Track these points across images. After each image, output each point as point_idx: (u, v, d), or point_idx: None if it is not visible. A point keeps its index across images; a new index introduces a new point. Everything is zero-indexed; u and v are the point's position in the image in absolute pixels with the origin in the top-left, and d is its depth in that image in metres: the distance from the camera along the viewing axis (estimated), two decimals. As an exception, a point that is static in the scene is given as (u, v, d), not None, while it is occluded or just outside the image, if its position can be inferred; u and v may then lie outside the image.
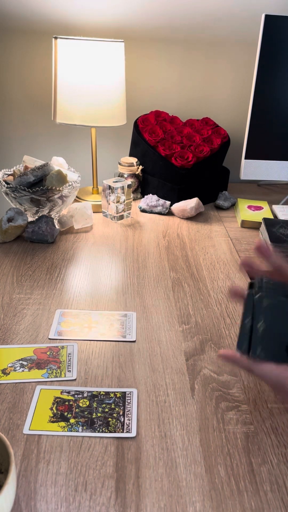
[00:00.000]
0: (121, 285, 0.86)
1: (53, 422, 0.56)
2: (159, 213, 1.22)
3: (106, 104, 1.11)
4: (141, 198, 1.32)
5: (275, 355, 0.53)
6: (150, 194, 1.24)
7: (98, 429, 0.55)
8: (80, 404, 0.58)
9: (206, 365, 0.66)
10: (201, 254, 1.00)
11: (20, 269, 0.91)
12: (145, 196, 1.24)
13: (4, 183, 1.02)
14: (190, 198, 1.23)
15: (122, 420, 0.56)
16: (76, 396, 0.60)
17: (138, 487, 0.48)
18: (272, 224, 1.06)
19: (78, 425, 0.55)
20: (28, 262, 0.94)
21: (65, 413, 0.57)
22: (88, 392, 0.60)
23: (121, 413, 0.57)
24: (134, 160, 1.27)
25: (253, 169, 1.25)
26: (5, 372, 0.63)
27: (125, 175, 1.27)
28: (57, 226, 1.06)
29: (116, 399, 0.59)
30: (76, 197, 1.25)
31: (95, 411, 0.57)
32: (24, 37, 1.34)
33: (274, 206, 1.25)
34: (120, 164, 1.27)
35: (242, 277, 0.91)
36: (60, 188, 1.01)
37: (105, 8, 1.31)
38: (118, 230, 1.11)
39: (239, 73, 1.42)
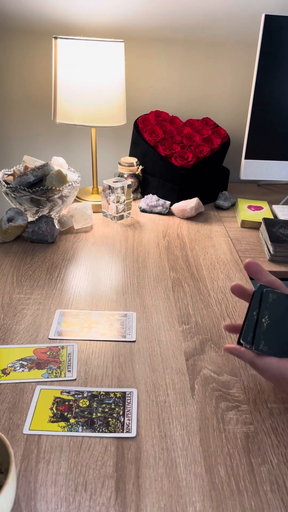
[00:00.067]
0: (121, 285, 0.86)
1: (53, 422, 0.56)
2: (159, 213, 1.22)
3: (106, 104, 1.11)
4: (141, 198, 1.32)
5: (276, 350, 0.55)
6: (150, 194, 1.24)
7: (98, 429, 0.55)
8: (80, 404, 0.58)
9: (206, 365, 0.66)
10: (201, 254, 1.00)
11: (20, 269, 0.91)
12: (145, 196, 1.24)
13: (4, 183, 1.02)
14: (190, 198, 1.23)
15: (122, 420, 0.56)
16: (76, 396, 0.60)
17: (138, 487, 0.48)
18: (272, 224, 1.06)
19: (78, 425, 0.55)
20: (28, 262, 0.94)
21: (65, 413, 0.57)
22: (88, 392, 0.60)
23: (121, 413, 0.57)
24: (134, 160, 1.27)
25: (253, 169, 1.25)
26: (5, 372, 0.63)
27: (125, 175, 1.27)
28: (57, 226, 1.06)
29: (116, 399, 0.59)
30: (76, 197, 1.25)
31: (95, 411, 0.57)
32: (24, 37, 1.34)
33: (274, 206, 1.25)
34: (120, 164, 1.27)
35: (242, 277, 0.91)
36: (60, 188, 1.01)
37: (105, 8, 1.31)
38: (118, 230, 1.11)
39: (239, 73, 1.42)
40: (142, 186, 1.31)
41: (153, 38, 1.36)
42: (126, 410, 0.58)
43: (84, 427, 0.55)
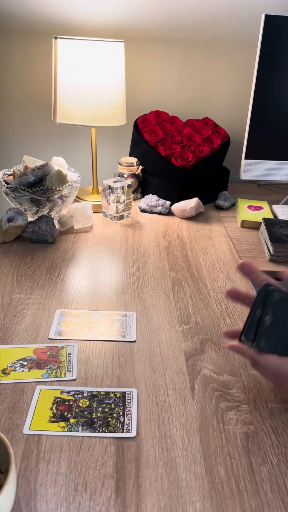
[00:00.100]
0: (121, 285, 0.86)
1: (53, 422, 0.56)
2: (159, 213, 1.22)
3: (106, 104, 1.11)
4: (141, 198, 1.32)
5: (277, 349, 0.55)
6: (150, 194, 1.24)
7: (98, 429, 0.55)
8: (80, 404, 0.58)
9: (206, 365, 0.66)
10: (201, 254, 1.00)
11: (20, 269, 0.91)
12: (145, 196, 1.24)
13: (4, 183, 1.02)
14: (190, 198, 1.23)
15: (122, 420, 0.56)
16: (76, 396, 0.60)
17: (138, 487, 0.48)
18: (272, 224, 1.06)
19: (78, 425, 0.55)
20: (28, 262, 0.94)
21: (65, 413, 0.57)
22: (88, 392, 0.60)
23: (121, 413, 0.57)
24: (134, 160, 1.27)
25: (253, 169, 1.25)
26: (5, 372, 0.63)
27: (125, 175, 1.27)
28: (57, 226, 1.06)
29: (116, 399, 0.59)
30: (76, 197, 1.25)
31: (95, 411, 0.57)
32: (24, 37, 1.34)
33: (274, 206, 1.25)
34: (120, 164, 1.27)
35: (242, 277, 0.91)
36: (60, 188, 1.01)
37: (105, 8, 1.31)
38: (118, 230, 1.11)
39: (239, 73, 1.42)
40: (142, 186, 1.31)
41: (153, 38, 1.36)
42: (126, 410, 0.58)
43: (84, 427, 0.55)
